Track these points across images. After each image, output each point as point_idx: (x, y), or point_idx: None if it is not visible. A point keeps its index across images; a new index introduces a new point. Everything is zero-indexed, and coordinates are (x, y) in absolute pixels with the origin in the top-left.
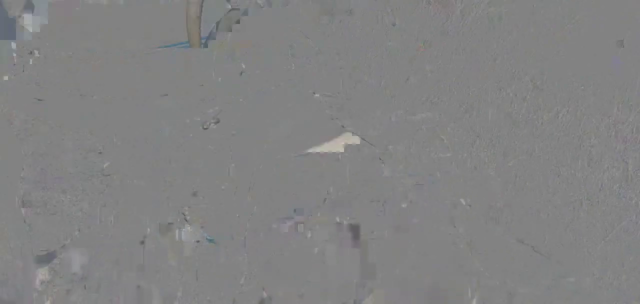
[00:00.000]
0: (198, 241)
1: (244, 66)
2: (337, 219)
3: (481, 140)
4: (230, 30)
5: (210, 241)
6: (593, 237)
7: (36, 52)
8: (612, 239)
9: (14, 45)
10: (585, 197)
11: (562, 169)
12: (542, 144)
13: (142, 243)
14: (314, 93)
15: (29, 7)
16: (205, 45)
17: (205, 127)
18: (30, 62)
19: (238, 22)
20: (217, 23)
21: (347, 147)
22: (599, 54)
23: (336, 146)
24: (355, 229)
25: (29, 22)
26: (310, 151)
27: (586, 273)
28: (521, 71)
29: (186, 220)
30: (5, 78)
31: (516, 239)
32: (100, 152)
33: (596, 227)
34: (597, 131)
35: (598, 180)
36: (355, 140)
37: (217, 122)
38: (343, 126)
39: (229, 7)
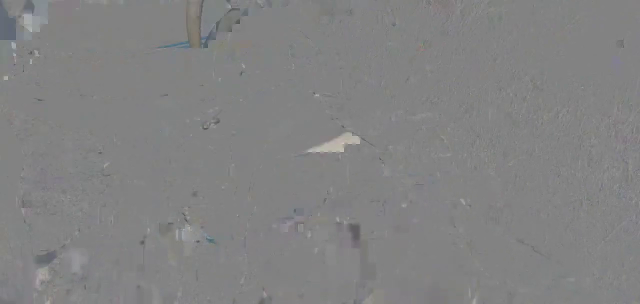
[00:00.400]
0: (198, 241)
1: (244, 66)
2: (337, 220)
3: (481, 140)
4: (230, 30)
5: (210, 241)
6: (593, 237)
7: (36, 52)
8: (612, 239)
9: (14, 45)
10: (585, 197)
11: (562, 169)
12: (542, 144)
13: (142, 243)
14: (314, 93)
15: (29, 7)
16: (205, 45)
17: (205, 127)
18: (30, 62)
19: (238, 22)
20: (217, 23)
21: (347, 147)
22: (599, 54)
23: (336, 146)
24: (355, 230)
25: (29, 22)
26: (310, 151)
27: (586, 273)
28: (521, 71)
29: (186, 220)
30: (5, 78)
31: (516, 239)
32: (100, 152)
33: (596, 227)
34: (597, 131)
35: (598, 180)
36: (355, 140)
37: (218, 122)
38: (343, 126)
39: (229, 7)
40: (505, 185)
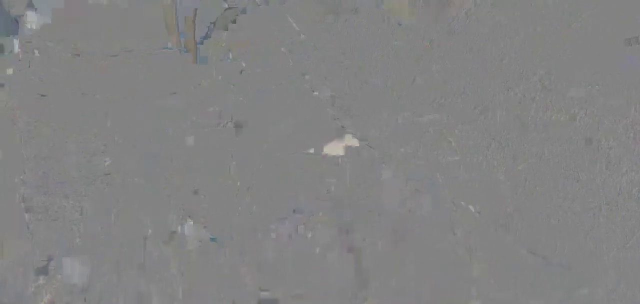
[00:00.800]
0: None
1: (243, 64)
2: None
3: (490, 143)
4: (227, 29)
5: (213, 240)
6: (613, 244)
7: (36, 52)
8: (632, 246)
9: (17, 40)
10: (604, 202)
11: (580, 174)
12: (552, 147)
13: (143, 242)
14: (314, 92)
15: (31, 6)
16: (201, 44)
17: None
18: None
19: (235, 21)
20: (214, 22)
21: (348, 149)
22: (608, 52)
23: (337, 148)
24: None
25: (32, 20)
26: (310, 151)
27: (599, 284)
28: (529, 71)
29: (188, 218)
30: (10, 71)
31: (527, 250)
32: (102, 153)
33: (616, 233)
34: (614, 132)
35: (617, 184)
36: (356, 141)
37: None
38: (344, 127)
39: (226, 5)
40: (515, 189)
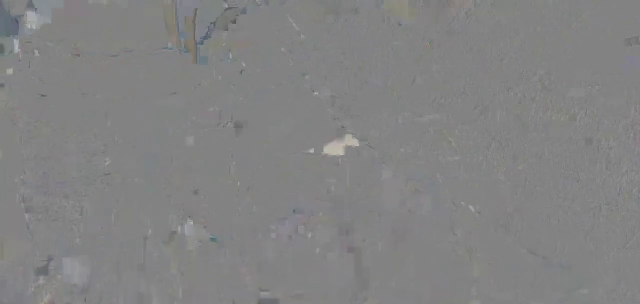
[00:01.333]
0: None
1: (243, 64)
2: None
3: (490, 143)
4: (227, 29)
5: (213, 240)
6: (612, 244)
7: (36, 52)
8: (632, 245)
9: (17, 40)
10: (604, 202)
11: (580, 174)
12: (552, 147)
13: (144, 242)
14: (314, 92)
15: (31, 6)
16: (201, 44)
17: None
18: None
19: (235, 21)
20: (214, 22)
21: (348, 148)
22: (608, 52)
23: (337, 148)
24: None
25: (32, 20)
26: (310, 151)
27: (599, 284)
28: (529, 71)
29: (188, 218)
30: (10, 71)
31: (527, 250)
32: (102, 153)
33: (616, 233)
34: (614, 132)
35: (617, 184)
36: (356, 141)
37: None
38: (344, 127)
39: (226, 5)
40: (515, 189)
